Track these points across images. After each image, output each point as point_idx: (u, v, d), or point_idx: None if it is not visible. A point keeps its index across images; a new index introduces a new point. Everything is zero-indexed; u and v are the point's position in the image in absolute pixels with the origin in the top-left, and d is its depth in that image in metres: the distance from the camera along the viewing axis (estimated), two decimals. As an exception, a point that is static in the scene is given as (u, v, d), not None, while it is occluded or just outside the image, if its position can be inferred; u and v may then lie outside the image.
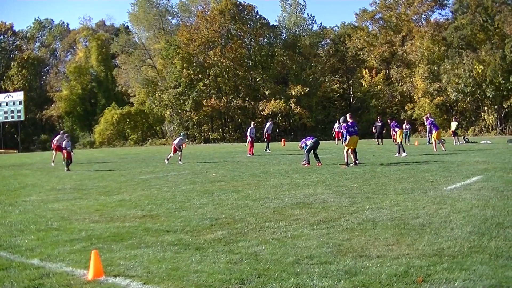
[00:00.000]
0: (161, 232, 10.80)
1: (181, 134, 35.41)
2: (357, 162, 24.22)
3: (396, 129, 31.52)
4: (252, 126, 38.20)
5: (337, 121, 42.28)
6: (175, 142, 31.47)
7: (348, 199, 14.02)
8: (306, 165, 25.08)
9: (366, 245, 8.96)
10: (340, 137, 39.99)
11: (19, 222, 12.68)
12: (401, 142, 29.83)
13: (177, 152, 30.70)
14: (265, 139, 41.52)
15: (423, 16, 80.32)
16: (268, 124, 41.49)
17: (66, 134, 32.41)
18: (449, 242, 8.83)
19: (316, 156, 25.51)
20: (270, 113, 74.82)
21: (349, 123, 24.57)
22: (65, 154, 29.64)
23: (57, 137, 34.47)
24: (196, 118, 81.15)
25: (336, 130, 43.03)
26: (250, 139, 36.91)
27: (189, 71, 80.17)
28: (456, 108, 70.19)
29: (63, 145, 30.33)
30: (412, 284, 6.85)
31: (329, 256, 8.29)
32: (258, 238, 9.86)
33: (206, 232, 10.64)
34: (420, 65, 72.13)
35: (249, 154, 35.99)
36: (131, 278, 7.62)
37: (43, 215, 13.67)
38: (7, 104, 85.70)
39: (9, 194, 19.00)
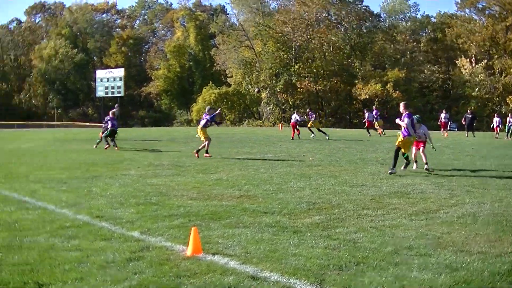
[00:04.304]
0: (259, 213, 10.90)
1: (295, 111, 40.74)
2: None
3: None
4: (295, 114, 39.59)
5: (364, 110, 42.58)
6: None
7: (447, 191, 13.76)
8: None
9: (466, 239, 8.78)
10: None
11: (119, 195, 13.06)
12: None
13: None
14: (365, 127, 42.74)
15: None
16: (367, 114, 43.20)
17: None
18: (556, 244, 8.53)
19: None
20: (367, 97, 74.06)
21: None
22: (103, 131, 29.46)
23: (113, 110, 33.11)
24: (291, 100, 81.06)
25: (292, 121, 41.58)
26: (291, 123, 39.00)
27: (282, 53, 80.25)
28: None
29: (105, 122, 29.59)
30: (516, 284, 6.68)
31: (428, 248, 8.18)
32: (356, 225, 9.83)
33: (303, 215, 10.68)
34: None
35: (292, 138, 37.12)
36: (229, 257, 7.71)
37: (142, 190, 14.02)
38: (108, 79, 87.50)
39: (109, 167, 19.53)
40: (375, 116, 42.70)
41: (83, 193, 13.46)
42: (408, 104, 19.41)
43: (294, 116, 38.63)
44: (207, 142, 23.84)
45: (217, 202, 12.18)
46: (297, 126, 37.96)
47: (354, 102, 77.63)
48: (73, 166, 20.01)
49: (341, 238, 8.78)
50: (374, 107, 45.92)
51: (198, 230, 8.16)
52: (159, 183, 15.26)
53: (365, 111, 44.89)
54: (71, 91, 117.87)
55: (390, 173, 17.17)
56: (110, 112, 29.96)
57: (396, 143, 18.19)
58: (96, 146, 29.30)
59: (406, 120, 17.92)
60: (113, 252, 7.92)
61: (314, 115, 39.95)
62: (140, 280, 6.72)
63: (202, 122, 24.24)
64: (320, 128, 38.59)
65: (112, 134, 28.87)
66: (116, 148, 28.34)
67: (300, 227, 9.64)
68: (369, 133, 42.11)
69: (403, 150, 18.26)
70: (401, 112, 18.34)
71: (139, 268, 7.18)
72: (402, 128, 18.07)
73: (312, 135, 37.27)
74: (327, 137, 36.40)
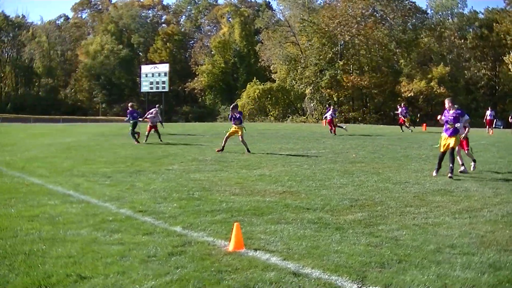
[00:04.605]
0: (301, 209, 10.89)
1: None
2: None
3: None
4: (331, 109, 40.94)
5: (330, 107, 42.91)
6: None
7: (491, 190, 13.59)
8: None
9: (510, 239, 8.66)
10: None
11: (162, 190, 13.15)
12: None
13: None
14: (399, 123, 44.87)
15: None
16: (400, 109, 44.26)
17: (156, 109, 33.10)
18: None
19: None
20: (411, 95, 73.46)
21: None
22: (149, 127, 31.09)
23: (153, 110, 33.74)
24: (335, 96, 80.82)
25: (328, 118, 41.50)
26: (327, 119, 41.02)
27: (327, 48, 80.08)
28: None
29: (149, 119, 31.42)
30: (563, 286, 6.56)
31: (471, 247, 8.08)
32: (399, 222, 9.76)
33: (346, 212, 10.64)
34: None
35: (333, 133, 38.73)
36: (271, 253, 7.71)
37: (185, 185, 14.09)
38: (153, 75, 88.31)
39: (154, 162, 19.67)
40: (403, 114, 43.07)
41: (126, 187, 13.60)
42: (454, 99, 18.38)
43: (330, 113, 39.87)
44: (226, 137, 24.49)
45: (259, 197, 12.19)
46: (333, 123, 39.22)
47: (399, 98, 77.02)
48: (117, 160, 20.23)
49: (383, 236, 8.74)
50: (402, 104, 46.22)
51: (240, 226, 8.18)
52: (202, 178, 15.33)
53: (398, 107, 45.38)
54: (116, 86, 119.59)
55: (435, 175, 16.21)
56: (130, 105, 32.02)
57: (442, 148, 16.57)
58: (145, 141, 29.65)
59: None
60: (155, 247, 7.98)
61: (335, 113, 41.73)
62: (181, 274, 6.76)
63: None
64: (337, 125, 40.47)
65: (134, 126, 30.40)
66: (136, 143, 29.30)
67: (342, 223, 9.61)
68: (403, 128, 43.43)
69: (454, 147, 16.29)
70: (447, 108, 16.65)
71: (180, 263, 7.23)
72: (447, 127, 16.46)
73: (344, 127, 39.70)
74: (331, 134, 38.56)
